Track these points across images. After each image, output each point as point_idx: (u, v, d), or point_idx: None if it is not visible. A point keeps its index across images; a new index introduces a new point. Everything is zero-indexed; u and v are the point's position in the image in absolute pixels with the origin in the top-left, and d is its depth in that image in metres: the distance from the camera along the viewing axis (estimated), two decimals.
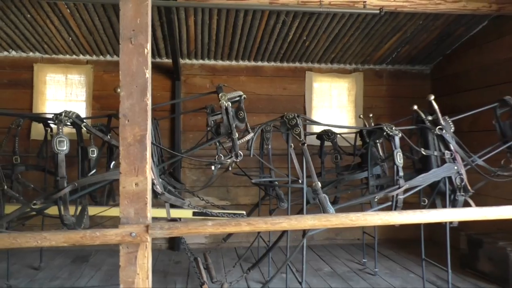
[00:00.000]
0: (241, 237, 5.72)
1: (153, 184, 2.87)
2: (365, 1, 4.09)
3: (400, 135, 3.34)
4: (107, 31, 5.06)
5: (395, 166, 3.21)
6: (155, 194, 2.96)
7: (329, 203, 3.00)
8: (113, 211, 3.58)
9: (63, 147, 2.89)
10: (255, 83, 5.98)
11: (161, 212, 4.33)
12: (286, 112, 3.45)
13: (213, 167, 3.73)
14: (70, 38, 5.23)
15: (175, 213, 3.77)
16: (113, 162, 3.91)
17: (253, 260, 5.03)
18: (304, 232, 3.12)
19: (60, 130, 2.93)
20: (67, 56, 5.73)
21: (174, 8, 4.41)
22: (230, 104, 3.20)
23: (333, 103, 6.13)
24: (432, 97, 3.45)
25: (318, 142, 4.47)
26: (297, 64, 6.07)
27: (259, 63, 6.01)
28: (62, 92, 5.78)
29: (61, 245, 2.12)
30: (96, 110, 5.73)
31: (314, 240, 5.94)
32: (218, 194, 5.85)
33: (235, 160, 3.17)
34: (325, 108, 6.07)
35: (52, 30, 5.02)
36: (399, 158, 3.22)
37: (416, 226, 3.46)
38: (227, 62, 5.96)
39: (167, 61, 5.83)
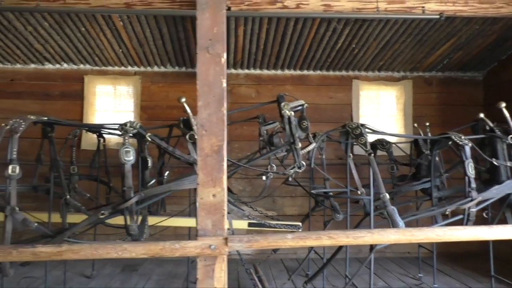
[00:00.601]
0: (288, 249, 5.61)
1: None
2: (423, 6, 3.97)
3: (470, 144, 3.19)
4: (157, 43, 5.12)
5: (466, 177, 3.06)
6: None
7: (398, 215, 2.87)
8: (171, 221, 3.57)
9: (130, 157, 2.89)
10: (301, 92, 5.89)
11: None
12: (347, 122, 3.36)
13: (264, 177, 3.68)
14: (121, 50, 5.32)
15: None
16: (167, 172, 3.92)
17: (302, 272, 4.92)
18: (372, 246, 3.00)
19: (126, 141, 2.94)
20: (116, 68, 5.85)
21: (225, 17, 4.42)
22: (293, 114, 3.13)
23: (381, 111, 5.98)
24: (504, 104, 3.28)
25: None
26: (344, 73, 5.97)
27: (305, 72, 5.94)
28: (110, 103, 5.89)
29: (140, 257, 2.09)
30: (143, 120, 5.79)
31: (363, 253, 5.77)
32: (264, 205, 5.77)
33: (298, 171, 3.10)
34: (373, 117, 5.93)
35: (104, 43, 5.13)
36: (470, 169, 3.07)
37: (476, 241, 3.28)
38: (272, 72, 5.93)
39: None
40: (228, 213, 3.08)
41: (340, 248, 3.50)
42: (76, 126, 3.65)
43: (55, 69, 5.81)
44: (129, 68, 5.85)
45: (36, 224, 2.79)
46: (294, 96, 5.83)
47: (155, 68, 5.87)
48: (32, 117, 3.06)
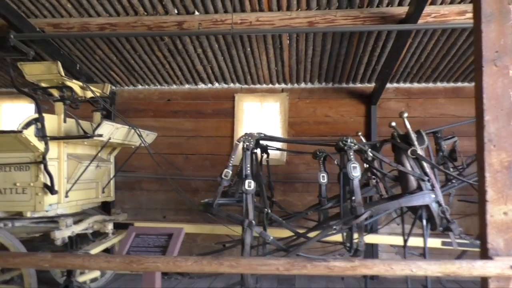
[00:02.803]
0: None
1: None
2: None
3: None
4: (314, 60, 5.20)
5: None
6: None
7: None
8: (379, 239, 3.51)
9: (357, 173, 2.90)
10: (456, 105, 5.65)
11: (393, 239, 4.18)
12: None
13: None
14: (275, 68, 5.49)
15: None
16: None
17: None
18: None
19: (351, 156, 2.95)
20: (264, 86, 6.03)
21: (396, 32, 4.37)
22: None
23: None
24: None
25: None
26: None
27: (459, 84, 5.67)
28: (257, 119, 6.07)
29: (434, 275, 2.04)
30: (290, 137, 5.89)
31: None
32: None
33: None
34: None
35: (263, 62, 5.32)
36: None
37: None
38: (423, 85, 5.74)
39: (360, 85, 5.81)
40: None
41: None
42: (290, 142, 3.72)
43: (207, 88, 6.14)
44: (277, 85, 6.00)
45: (272, 237, 2.87)
46: (448, 109, 5.63)
47: (302, 85, 5.96)
48: (255, 134, 3.19)
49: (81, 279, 3.27)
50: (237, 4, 4.24)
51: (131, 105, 6.22)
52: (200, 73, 5.73)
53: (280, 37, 4.74)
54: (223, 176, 2.94)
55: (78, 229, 3.88)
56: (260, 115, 6.08)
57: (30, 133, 3.50)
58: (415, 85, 5.75)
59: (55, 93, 4.11)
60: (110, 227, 4.13)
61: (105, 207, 5.37)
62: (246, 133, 3.14)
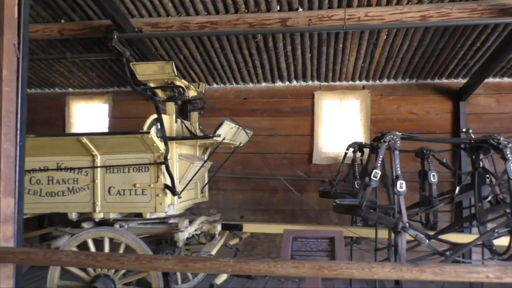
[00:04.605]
0: None
1: None
2: None
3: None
4: (406, 55, 5.06)
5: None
6: None
7: None
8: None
9: None
10: None
11: None
12: None
13: None
14: (362, 64, 5.36)
15: None
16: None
17: None
18: None
19: (510, 155, 2.82)
20: (344, 83, 5.91)
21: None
22: None
23: None
24: None
25: None
26: None
27: None
28: (336, 117, 5.95)
29: None
30: (373, 134, 5.75)
31: None
32: None
33: None
34: None
35: (351, 58, 5.20)
36: None
37: None
38: None
39: (446, 81, 5.64)
40: None
41: None
42: (429, 141, 3.60)
43: (285, 86, 6.05)
44: (357, 82, 5.87)
45: (427, 241, 2.77)
46: None
47: (384, 81, 5.82)
48: (397, 132, 3.07)
49: (219, 280, 3.22)
50: None
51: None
52: (282, 71, 5.64)
53: (379, 33, 4.61)
54: (372, 177, 2.84)
55: (191, 230, 3.84)
56: (339, 113, 5.96)
57: (153, 134, 3.46)
58: (505, 79, 5.54)
59: (161, 93, 4.08)
60: (219, 228, 4.08)
61: None
62: (389, 132, 3.02)
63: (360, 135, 5.82)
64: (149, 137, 3.39)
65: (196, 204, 4.72)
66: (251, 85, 6.12)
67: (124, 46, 4.54)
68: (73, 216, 3.76)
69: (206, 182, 4.62)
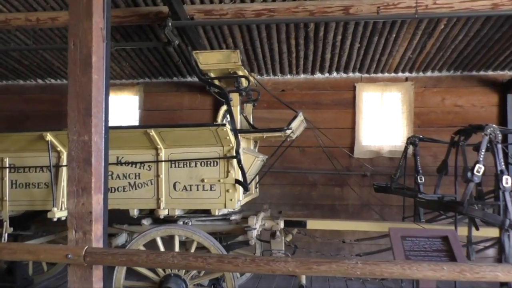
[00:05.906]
0: None
1: None
2: None
3: None
4: (459, 46, 4.93)
5: None
6: None
7: None
8: None
9: None
10: None
11: None
12: None
13: None
14: (411, 56, 5.21)
15: None
16: None
17: None
18: None
19: None
20: (386, 75, 5.77)
21: None
22: None
23: None
24: None
25: None
26: None
27: None
28: (377, 110, 5.82)
29: None
30: (416, 128, 5.64)
31: None
32: None
33: None
34: None
35: (400, 49, 5.05)
36: None
37: None
38: None
39: (492, 73, 5.54)
40: None
41: None
42: None
43: (324, 78, 5.89)
44: (400, 74, 5.74)
45: None
46: None
47: (428, 73, 5.69)
48: (495, 126, 2.92)
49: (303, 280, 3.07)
50: None
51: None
52: (325, 62, 5.47)
53: (437, 22, 4.46)
54: (475, 172, 2.70)
55: (258, 227, 3.67)
56: (380, 106, 5.82)
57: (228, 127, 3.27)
58: None
59: (221, 83, 3.88)
60: (282, 224, 3.91)
61: None
62: (489, 125, 2.88)
63: (403, 128, 5.70)
64: (224, 129, 3.20)
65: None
66: (289, 76, 5.94)
67: (174, 34, 4.33)
68: (135, 213, 3.57)
69: (259, 177, 4.44)
